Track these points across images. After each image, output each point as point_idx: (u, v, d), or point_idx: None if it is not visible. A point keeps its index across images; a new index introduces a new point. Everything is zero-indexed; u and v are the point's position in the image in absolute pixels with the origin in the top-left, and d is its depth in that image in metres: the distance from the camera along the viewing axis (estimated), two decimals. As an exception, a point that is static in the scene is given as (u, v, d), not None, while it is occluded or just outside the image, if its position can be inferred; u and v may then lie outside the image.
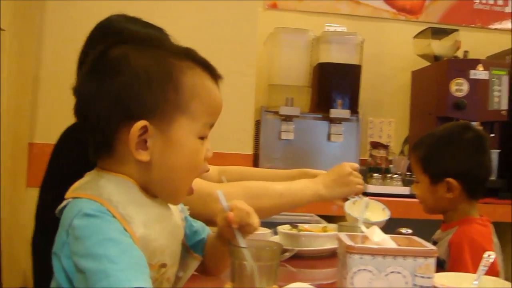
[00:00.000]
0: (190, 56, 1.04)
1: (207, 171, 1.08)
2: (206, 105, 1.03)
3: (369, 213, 1.77)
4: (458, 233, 1.78)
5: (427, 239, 1.97)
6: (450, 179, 1.79)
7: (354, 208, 1.70)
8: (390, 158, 3.24)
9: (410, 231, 1.81)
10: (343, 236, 1.23)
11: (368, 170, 3.15)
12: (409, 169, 3.20)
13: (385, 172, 3.12)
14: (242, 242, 1.06)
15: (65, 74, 1.39)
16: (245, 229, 1.07)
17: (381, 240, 1.19)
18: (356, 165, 1.78)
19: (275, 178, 1.83)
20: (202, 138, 1.04)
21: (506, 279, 3.04)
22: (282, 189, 1.64)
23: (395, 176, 3.08)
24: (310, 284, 1.29)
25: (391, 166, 3.20)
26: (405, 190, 3.02)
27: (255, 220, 1.09)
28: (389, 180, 3.05)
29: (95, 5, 2.56)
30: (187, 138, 1.01)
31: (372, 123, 3.66)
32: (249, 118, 3.00)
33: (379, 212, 1.90)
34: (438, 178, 1.82)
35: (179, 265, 1.13)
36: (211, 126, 1.06)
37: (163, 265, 1.02)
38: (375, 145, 3.27)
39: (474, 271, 1.40)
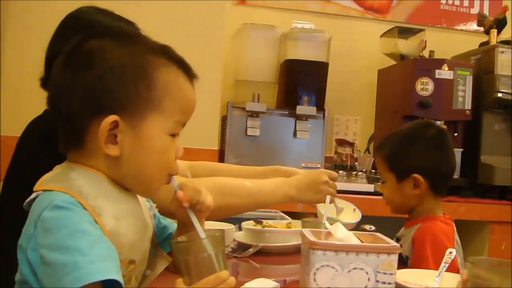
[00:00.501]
0: (166, 53, 1.04)
1: (176, 173, 1.07)
2: (179, 103, 1.02)
3: (341, 214, 1.79)
4: (421, 229, 1.80)
5: (391, 236, 1.98)
6: (416, 175, 1.82)
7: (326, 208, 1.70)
8: (355, 155, 3.26)
9: (373, 228, 1.83)
10: (306, 232, 1.23)
11: (334, 167, 3.17)
12: (374, 167, 3.23)
13: (350, 169, 3.14)
14: (196, 223, 1.04)
15: (28, 66, 1.36)
16: (197, 207, 1.06)
17: (344, 236, 1.19)
18: (335, 175, 1.77)
19: (246, 175, 1.81)
20: (173, 135, 1.03)
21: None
22: (252, 189, 1.62)
23: (360, 173, 3.10)
24: (274, 280, 1.29)
25: (356, 163, 3.23)
26: (370, 188, 3.04)
27: (207, 198, 1.08)
28: (354, 178, 3.07)
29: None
30: (158, 135, 1.00)
31: (338, 121, 3.68)
32: (215, 114, 2.99)
33: (350, 214, 1.91)
34: (404, 175, 1.84)
35: (148, 263, 1.11)
36: (183, 124, 1.05)
37: (132, 262, 1.01)
38: (341, 143, 3.30)
39: (436, 267, 1.42)
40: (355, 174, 3.09)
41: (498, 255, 3.05)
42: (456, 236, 1.88)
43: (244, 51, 3.27)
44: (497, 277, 0.99)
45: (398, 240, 1.88)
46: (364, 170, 3.17)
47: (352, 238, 1.20)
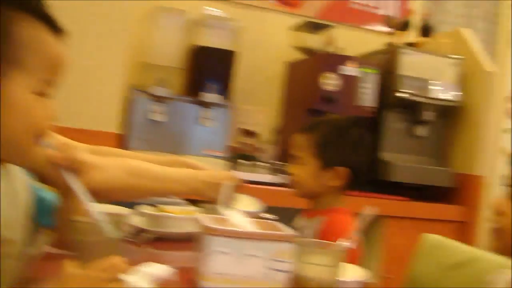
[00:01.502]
0: (28, 7, 0.97)
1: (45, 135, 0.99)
2: (42, 60, 0.96)
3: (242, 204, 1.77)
4: (331, 222, 1.81)
5: (290, 226, 2.01)
6: (340, 168, 1.82)
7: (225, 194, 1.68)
8: (259, 146, 3.27)
9: (274, 217, 1.82)
10: (202, 217, 1.20)
11: (236, 157, 3.16)
12: (277, 158, 3.25)
13: (253, 159, 3.14)
14: (76, 186, 0.98)
15: None
16: (75, 167, 1.00)
17: (240, 223, 1.18)
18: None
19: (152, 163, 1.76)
20: (41, 94, 0.96)
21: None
22: (161, 175, 1.58)
23: (263, 164, 3.10)
24: (170, 267, 1.26)
25: (259, 154, 3.23)
26: (272, 178, 3.05)
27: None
28: (256, 168, 3.07)
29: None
30: (19, 94, 0.94)
31: (245, 111, 3.66)
32: (116, 96, 2.91)
33: (251, 204, 1.90)
34: (330, 164, 1.84)
35: (29, 241, 1.05)
36: (52, 83, 0.98)
37: (7, 240, 0.94)
38: (245, 133, 3.29)
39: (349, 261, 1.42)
40: (258, 164, 3.09)
41: (392, 248, 3.15)
42: None
43: (151, 34, 3.20)
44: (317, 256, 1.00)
45: (300, 231, 1.88)
46: (267, 161, 3.18)
47: (248, 225, 1.19)
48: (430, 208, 3.30)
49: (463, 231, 3.34)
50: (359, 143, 1.89)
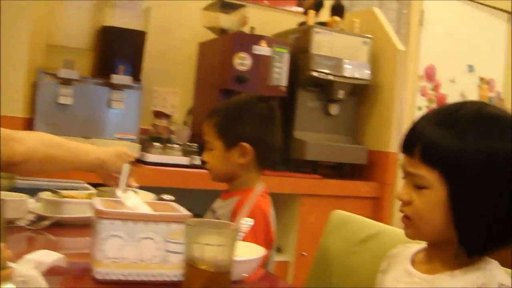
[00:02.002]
0: None
1: None
2: None
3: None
4: (241, 202, 1.79)
5: (205, 208, 1.98)
6: (244, 143, 1.81)
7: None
8: (172, 128, 3.22)
9: (172, 197, 1.79)
10: (96, 201, 1.16)
11: (149, 139, 3.10)
12: (191, 140, 3.21)
13: (166, 142, 3.09)
14: None
15: None
16: None
17: (135, 205, 1.15)
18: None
19: None
20: None
21: (278, 248, 3.18)
22: (71, 145, 1.61)
23: (176, 146, 3.06)
24: (64, 253, 1.21)
25: (173, 136, 3.18)
26: (185, 160, 3.02)
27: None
28: (169, 150, 3.03)
29: None
30: None
31: (157, 93, 3.60)
32: (21, 79, 2.79)
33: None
34: (233, 142, 1.83)
35: None
36: None
37: None
38: (158, 115, 3.23)
39: (254, 240, 1.41)
40: (171, 146, 3.04)
41: (307, 225, 3.18)
42: (272, 209, 1.90)
43: (57, 13, 3.08)
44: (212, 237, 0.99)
45: (214, 212, 1.87)
46: (180, 143, 3.14)
47: (142, 207, 1.16)
48: (344, 185, 3.34)
49: (377, 207, 3.41)
50: (262, 118, 1.89)
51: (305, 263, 3.04)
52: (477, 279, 1.06)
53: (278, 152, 1.98)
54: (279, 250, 3.30)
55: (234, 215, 1.78)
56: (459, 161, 1.06)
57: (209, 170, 1.93)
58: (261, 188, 1.14)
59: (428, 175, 1.08)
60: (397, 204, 1.19)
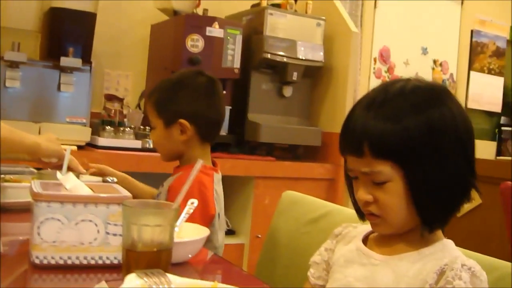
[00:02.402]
0: None
1: None
2: None
3: None
4: (178, 179, 1.79)
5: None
6: (182, 120, 1.80)
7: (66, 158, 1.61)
8: (124, 111, 3.17)
9: (115, 179, 1.76)
10: (34, 183, 1.13)
11: (101, 122, 3.06)
12: (143, 123, 3.17)
13: (118, 125, 3.04)
14: None
15: None
16: None
17: (74, 187, 1.12)
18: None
19: None
20: None
21: (233, 231, 3.18)
22: (9, 129, 1.57)
23: (128, 129, 3.02)
24: (7, 239, 1.18)
25: (125, 119, 3.14)
26: (138, 144, 2.98)
27: None
28: (121, 134, 2.98)
29: None
30: None
31: (109, 75, 3.54)
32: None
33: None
34: (172, 120, 1.82)
35: None
36: None
37: None
38: (110, 98, 3.18)
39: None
40: (123, 130, 3.00)
41: (262, 208, 3.18)
42: (218, 188, 1.89)
43: (3, -5, 3.00)
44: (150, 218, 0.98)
45: (162, 186, 1.87)
46: (133, 126, 3.10)
47: (82, 189, 1.13)
48: (299, 167, 3.35)
49: (331, 188, 3.42)
50: (200, 92, 1.87)
51: (260, 246, 3.04)
52: (440, 259, 1.06)
53: (221, 125, 1.97)
54: (234, 233, 3.30)
55: (169, 190, 1.78)
56: (406, 144, 1.06)
57: (157, 151, 1.93)
58: (199, 165, 1.11)
59: (384, 169, 1.07)
60: (364, 211, 1.16)
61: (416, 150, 1.06)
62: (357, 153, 1.09)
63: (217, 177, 1.90)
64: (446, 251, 1.10)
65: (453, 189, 1.08)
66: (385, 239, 1.18)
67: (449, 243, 1.13)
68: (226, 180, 3.25)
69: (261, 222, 3.16)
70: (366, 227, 1.27)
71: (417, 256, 1.10)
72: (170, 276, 0.82)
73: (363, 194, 1.12)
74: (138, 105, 3.53)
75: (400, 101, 1.09)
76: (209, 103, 1.89)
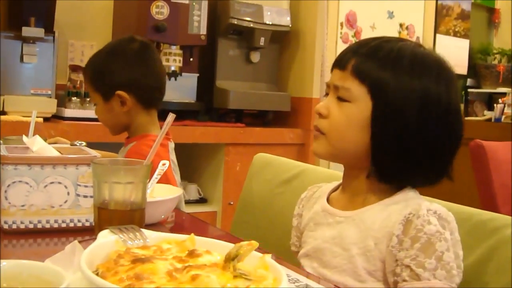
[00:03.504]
0: None
1: None
2: None
3: None
4: (131, 150, 1.75)
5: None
6: (120, 92, 1.76)
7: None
8: (90, 82, 3.11)
9: (84, 143, 1.73)
10: (0, 148, 1.09)
11: (67, 94, 3.00)
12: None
13: (84, 96, 2.99)
14: None
15: None
16: None
17: (41, 149, 1.08)
18: None
19: None
20: None
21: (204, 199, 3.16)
22: None
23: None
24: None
25: (90, 90, 3.08)
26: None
27: None
28: (88, 105, 2.93)
29: None
30: None
31: (73, 46, 3.46)
32: None
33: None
34: (109, 93, 1.78)
35: None
36: None
37: None
38: (75, 69, 3.11)
39: None
40: (89, 101, 2.94)
41: (233, 175, 3.17)
42: (173, 156, 1.86)
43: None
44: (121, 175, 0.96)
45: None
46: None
47: (50, 151, 1.10)
48: (269, 133, 3.34)
49: (301, 153, 3.43)
50: (134, 59, 1.82)
51: (233, 212, 3.04)
52: (403, 209, 1.06)
53: (162, 89, 1.91)
54: (205, 201, 3.29)
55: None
56: (392, 90, 1.06)
57: (104, 126, 1.89)
58: (171, 118, 1.08)
59: (356, 89, 1.07)
60: (313, 127, 1.15)
61: (399, 101, 1.06)
62: (341, 67, 1.11)
63: (171, 145, 1.87)
64: (409, 199, 1.09)
65: (416, 158, 1.08)
66: (346, 194, 1.17)
67: (412, 191, 1.12)
68: (196, 148, 3.25)
69: (233, 189, 3.15)
70: (329, 185, 1.26)
71: (379, 207, 1.09)
72: (145, 231, 0.81)
73: (320, 105, 1.13)
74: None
75: (405, 58, 1.09)
76: (144, 69, 1.83)
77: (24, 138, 1.17)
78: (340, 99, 1.10)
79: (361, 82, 1.07)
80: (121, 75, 1.78)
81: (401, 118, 1.06)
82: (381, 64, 1.08)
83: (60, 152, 1.10)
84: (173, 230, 1.22)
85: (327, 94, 1.15)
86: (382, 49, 1.10)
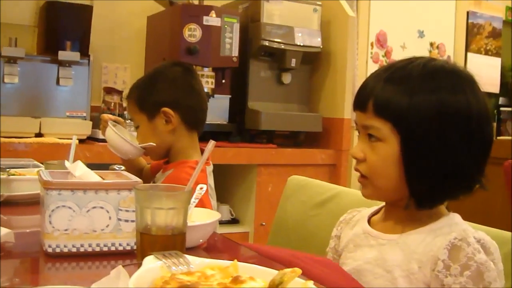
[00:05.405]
0: None
1: None
2: None
3: None
4: (169, 179, 1.77)
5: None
6: (165, 109, 1.79)
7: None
8: (124, 104, 3.16)
9: (123, 167, 1.75)
10: (43, 173, 1.12)
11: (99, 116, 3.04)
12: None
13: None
14: None
15: None
16: None
17: (83, 174, 1.11)
18: None
19: None
20: None
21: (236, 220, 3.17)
22: None
23: (129, 121, 3.00)
24: (14, 231, 1.17)
25: (124, 112, 3.13)
26: (138, 136, 2.97)
27: None
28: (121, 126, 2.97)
29: None
30: None
31: (107, 69, 3.53)
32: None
33: None
34: (154, 111, 1.81)
35: None
36: None
37: None
38: (109, 91, 3.17)
39: None
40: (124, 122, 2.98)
41: (265, 195, 3.18)
42: (211, 181, 1.87)
43: (-3, -10, 2.99)
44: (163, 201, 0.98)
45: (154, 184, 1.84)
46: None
47: (91, 176, 1.12)
48: (300, 154, 3.34)
49: (333, 174, 3.42)
50: (178, 81, 1.87)
51: (265, 233, 3.04)
52: (447, 234, 1.06)
53: (204, 112, 1.94)
54: (237, 221, 3.30)
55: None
56: (410, 116, 1.07)
57: (146, 153, 1.90)
58: (211, 145, 1.09)
59: (383, 127, 1.09)
60: (354, 170, 1.18)
61: (419, 123, 1.07)
62: (362, 108, 1.12)
63: (209, 169, 1.89)
64: (453, 225, 1.10)
65: (448, 177, 1.08)
66: (390, 218, 1.18)
67: (456, 217, 1.12)
68: (228, 169, 3.26)
69: (265, 209, 3.16)
70: (369, 210, 1.27)
71: (424, 232, 1.10)
72: (188, 257, 0.82)
73: (356, 150, 1.14)
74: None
75: (417, 75, 1.09)
76: (188, 90, 1.88)
77: (66, 163, 1.19)
78: (371, 137, 1.12)
79: (384, 119, 1.09)
80: (167, 93, 1.82)
81: (427, 141, 1.06)
82: (395, 92, 1.09)
83: (101, 177, 1.13)
84: (207, 251, 1.24)
85: (357, 130, 1.17)
86: (393, 77, 1.11)
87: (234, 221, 3.29)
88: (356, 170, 1.16)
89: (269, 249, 1.18)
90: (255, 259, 1.17)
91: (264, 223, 3.16)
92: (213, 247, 1.29)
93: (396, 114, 1.07)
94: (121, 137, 1.81)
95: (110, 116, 1.92)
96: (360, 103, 1.14)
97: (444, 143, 1.06)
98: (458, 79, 1.11)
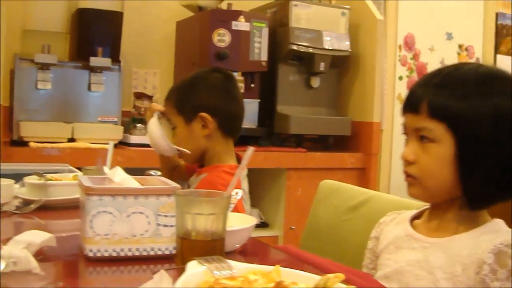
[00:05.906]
0: None
1: None
2: None
3: None
4: (204, 182, 1.78)
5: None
6: (203, 113, 1.80)
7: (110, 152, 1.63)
8: (154, 108, 3.19)
9: (159, 173, 1.77)
10: (83, 178, 1.14)
11: (132, 121, 3.08)
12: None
13: (149, 123, 3.06)
14: None
15: None
16: None
17: (123, 180, 1.13)
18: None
19: None
20: None
21: (266, 224, 3.18)
22: None
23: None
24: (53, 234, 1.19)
25: (155, 117, 3.16)
26: (169, 140, 3.00)
27: None
28: (153, 131, 3.00)
29: None
30: None
31: (137, 74, 3.57)
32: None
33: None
34: (192, 115, 1.82)
35: None
36: None
37: None
38: (139, 96, 3.21)
39: None
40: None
41: (295, 199, 3.18)
42: (244, 185, 1.89)
43: (31, -2, 3.04)
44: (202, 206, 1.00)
45: (189, 187, 1.85)
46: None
47: (131, 182, 1.14)
48: (329, 158, 3.34)
49: (363, 177, 3.41)
50: (217, 87, 1.88)
51: (295, 237, 3.05)
52: (493, 239, 1.06)
53: (242, 119, 1.95)
54: (267, 225, 3.31)
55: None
56: (466, 119, 1.07)
57: (180, 157, 1.91)
58: (250, 151, 1.10)
59: (437, 129, 1.09)
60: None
61: (474, 126, 1.08)
62: (414, 110, 1.13)
63: (243, 174, 1.90)
64: (498, 231, 1.10)
65: (503, 177, 1.08)
66: (433, 222, 1.19)
67: (501, 222, 1.13)
68: (257, 173, 3.27)
69: (295, 213, 3.17)
70: (409, 212, 1.27)
71: (469, 236, 1.10)
72: (230, 261, 0.83)
73: (407, 152, 1.15)
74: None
75: (470, 80, 1.10)
76: (227, 97, 1.89)
77: (105, 169, 1.21)
78: (423, 139, 1.12)
79: (439, 121, 1.09)
80: (206, 98, 1.84)
81: (483, 143, 1.07)
82: (449, 95, 1.09)
83: (140, 183, 1.15)
84: (242, 255, 1.25)
85: (405, 133, 1.17)
86: (446, 81, 1.12)
87: (263, 225, 3.30)
88: (405, 173, 1.16)
89: (307, 255, 1.19)
90: (286, 262, 1.18)
91: (293, 227, 3.17)
92: (248, 251, 1.30)
93: (452, 115, 1.08)
94: (160, 131, 1.84)
95: (160, 107, 1.93)
96: (412, 106, 1.14)
97: (503, 145, 1.08)
98: (508, 83, 1.12)
